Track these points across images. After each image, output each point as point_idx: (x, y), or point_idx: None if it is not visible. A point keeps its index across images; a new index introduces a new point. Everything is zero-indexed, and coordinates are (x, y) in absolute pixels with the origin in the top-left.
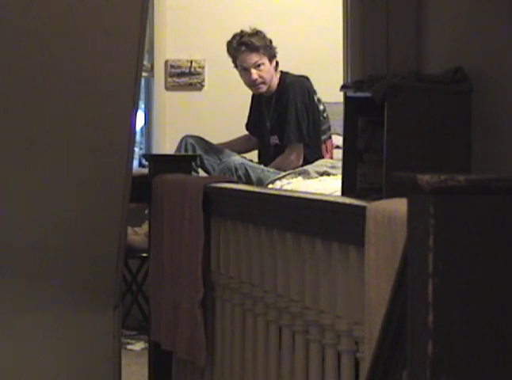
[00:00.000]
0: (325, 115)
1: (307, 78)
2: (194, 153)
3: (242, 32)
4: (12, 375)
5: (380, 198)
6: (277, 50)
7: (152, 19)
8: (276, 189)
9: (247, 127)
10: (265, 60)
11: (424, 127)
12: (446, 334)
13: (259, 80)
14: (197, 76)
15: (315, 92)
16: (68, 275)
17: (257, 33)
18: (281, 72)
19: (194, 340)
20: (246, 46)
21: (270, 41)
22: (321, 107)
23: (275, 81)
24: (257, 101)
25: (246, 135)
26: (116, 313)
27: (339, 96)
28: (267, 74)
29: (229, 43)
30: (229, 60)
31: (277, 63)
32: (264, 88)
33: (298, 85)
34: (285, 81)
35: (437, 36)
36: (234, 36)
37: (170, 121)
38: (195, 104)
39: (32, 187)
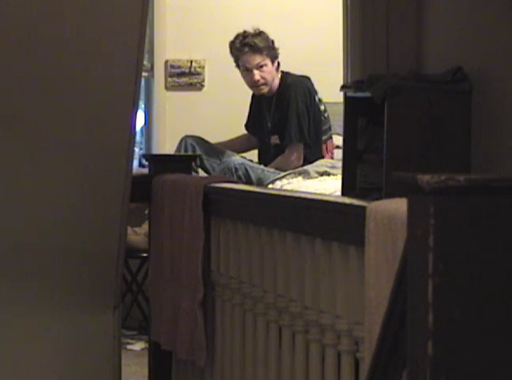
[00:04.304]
0: (326, 115)
1: (308, 78)
2: (194, 153)
3: (245, 32)
4: (12, 375)
5: (380, 198)
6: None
7: (152, 19)
8: (276, 189)
9: (247, 126)
10: (268, 61)
11: (424, 127)
12: (446, 334)
13: (261, 81)
14: (197, 76)
15: (316, 92)
16: (68, 275)
17: (260, 34)
18: (282, 72)
19: (194, 340)
20: (250, 47)
21: (273, 42)
22: (322, 107)
23: (276, 81)
24: (258, 101)
25: (245, 135)
26: (116, 313)
27: (339, 96)
28: (269, 74)
29: (232, 43)
30: (229, 60)
31: (278, 64)
32: (265, 89)
33: (299, 85)
34: (286, 81)
35: (437, 36)
36: (237, 36)
37: (170, 121)
38: (195, 104)
39: (32, 187)
